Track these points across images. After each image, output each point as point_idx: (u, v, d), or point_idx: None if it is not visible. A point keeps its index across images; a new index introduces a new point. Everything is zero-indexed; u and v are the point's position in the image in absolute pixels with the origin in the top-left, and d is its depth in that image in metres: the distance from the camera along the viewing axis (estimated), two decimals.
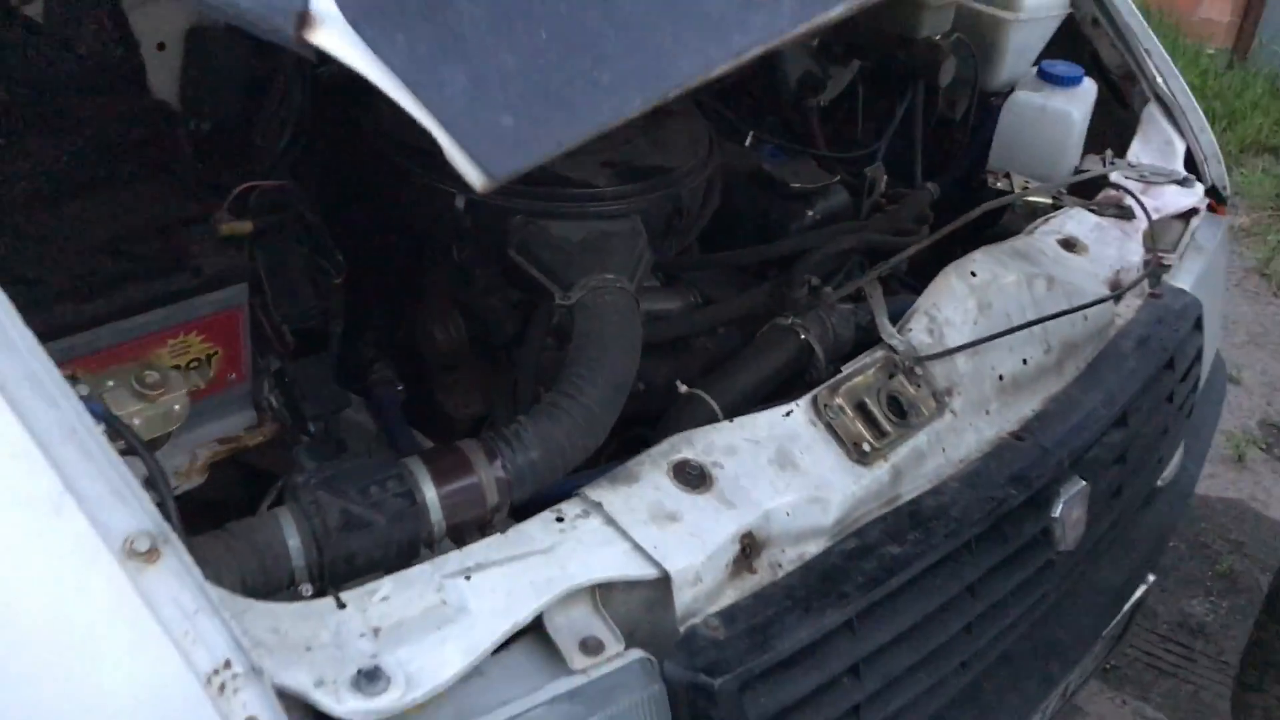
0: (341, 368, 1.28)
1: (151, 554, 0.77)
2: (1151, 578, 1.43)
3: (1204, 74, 4.36)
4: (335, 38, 0.67)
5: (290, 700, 0.80)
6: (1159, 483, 1.45)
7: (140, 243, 1.08)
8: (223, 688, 0.76)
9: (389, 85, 0.66)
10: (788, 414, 1.07)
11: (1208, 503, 2.55)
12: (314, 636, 0.84)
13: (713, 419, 1.09)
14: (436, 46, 0.68)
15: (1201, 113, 1.72)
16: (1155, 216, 1.52)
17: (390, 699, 0.81)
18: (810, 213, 1.40)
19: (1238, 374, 2.93)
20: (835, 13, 0.82)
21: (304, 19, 0.66)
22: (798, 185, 1.39)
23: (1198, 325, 1.43)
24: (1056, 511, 1.15)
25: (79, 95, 1.09)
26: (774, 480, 1.02)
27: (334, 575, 0.92)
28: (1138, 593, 1.40)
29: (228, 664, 0.76)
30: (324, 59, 0.70)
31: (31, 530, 0.77)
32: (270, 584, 0.89)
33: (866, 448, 1.07)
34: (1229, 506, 2.56)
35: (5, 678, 0.77)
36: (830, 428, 1.07)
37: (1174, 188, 1.60)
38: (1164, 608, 2.28)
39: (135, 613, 0.76)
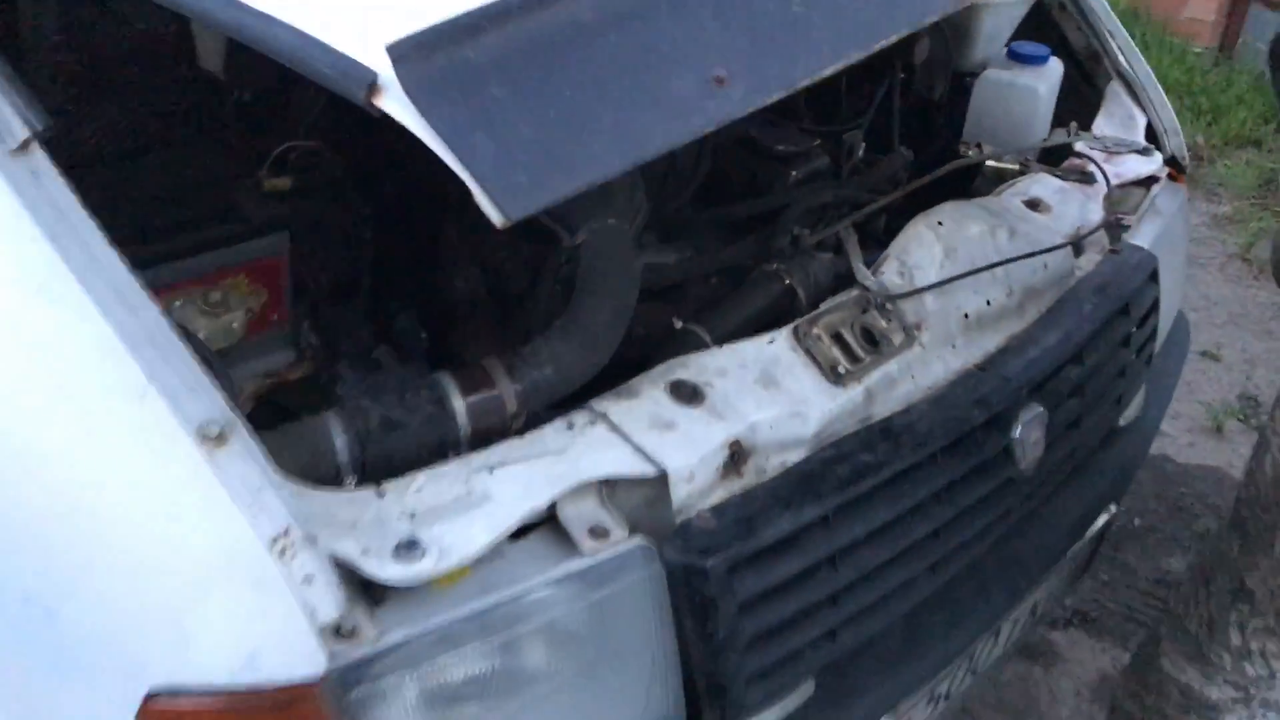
0: (370, 316, 1.41)
1: (221, 438, 0.90)
2: (1114, 508, 1.56)
3: (1190, 71, 4.49)
4: (394, 104, 0.83)
5: (339, 568, 0.93)
6: (1121, 423, 1.58)
7: (193, 196, 1.21)
8: (284, 551, 0.89)
9: (433, 142, 0.83)
10: (771, 341, 1.20)
11: (1187, 470, 2.67)
12: (358, 517, 0.97)
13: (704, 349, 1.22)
14: (471, 117, 0.84)
15: (1162, 89, 1.85)
16: (1116, 182, 1.64)
17: (425, 566, 0.94)
18: (794, 173, 1.53)
19: (1218, 351, 3.06)
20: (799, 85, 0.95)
21: (373, 88, 0.83)
22: (782, 148, 1.53)
23: (1153, 278, 1.56)
24: (1016, 433, 1.28)
25: (138, 67, 1.23)
26: (759, 397, 1.15)
27: (374, 471, 1.05)
28: (1100, 521, 1.52)
29: (287, 531, 0.89)
30: None
31: (120, 415, 0.90)
32: (319, 477, 1.02)
33: (842, 370, 1.20)
34: (1208, 473, 2.68)
35: (99, 542, 0.91)
36: (809, 353, 1.20)
37: (1135, 157, 1.73)
38: (1143, 565, 2.39)
39: (208, 487, 0.89)
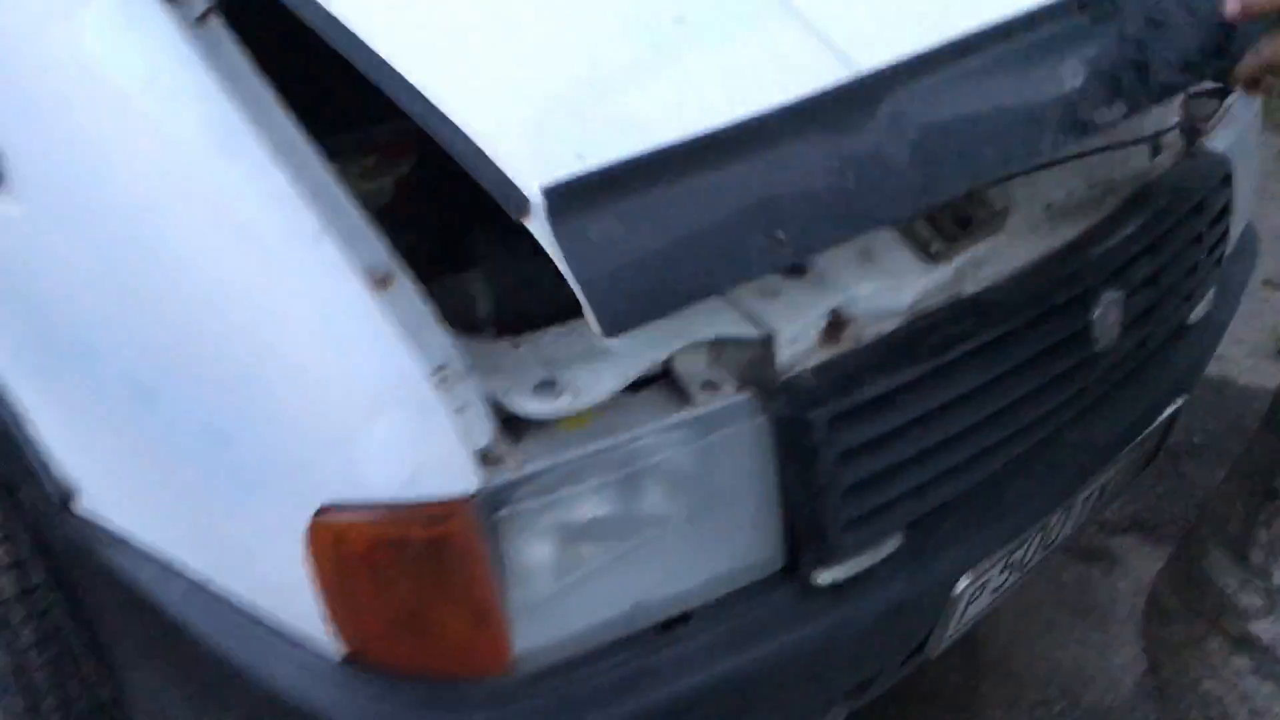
0: None
1: (386, 281, 1.00)
2: (1180, 401, 1.63)
3: None
4: (538, 228, 0.94)
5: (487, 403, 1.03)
6: (1190, 319, 1.65)
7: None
8: (443, 381, 0.99)
9: (562, 265, 0.93)
10: None
11: (1247, 391, 2.73)
12: (500, 361, 1.08)
13: None
14: (594, 247, 0.95)
15: None
16: (1193, 88, 1.70)
17: (562, 404, 1.05)
18: None
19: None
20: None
21: (521, 207, 0.93)
22: None
23: (1226, 181, 1.62)
24: (1094, 314, 1.35)
25: None
26: (858, 271, 1.24)
27: (508, 326, 1.15)
28: (1168, 410, 1.60)
29: (446, 365, 1.00)
30: None
31: (296, 257, 1.00)
32: (464, 327, 1.12)
33: (934, 249, 1.28)
34: (1267, 395, 2.72)
35: (276, 373, 1.01)
36: (905, 232, 1.28)
37: None
38: (1200, 478, 2.46)
39: (376, 323, 0.99)
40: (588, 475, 1.07)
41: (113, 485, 1.18)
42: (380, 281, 1.00)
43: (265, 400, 1.02)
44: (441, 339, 1.00)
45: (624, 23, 1.09)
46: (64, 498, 1.20)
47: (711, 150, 1.00)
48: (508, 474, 1.02)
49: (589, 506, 1.09)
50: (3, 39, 1.07)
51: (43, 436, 1.21)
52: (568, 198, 0.93)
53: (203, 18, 1.04)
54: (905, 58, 1.11)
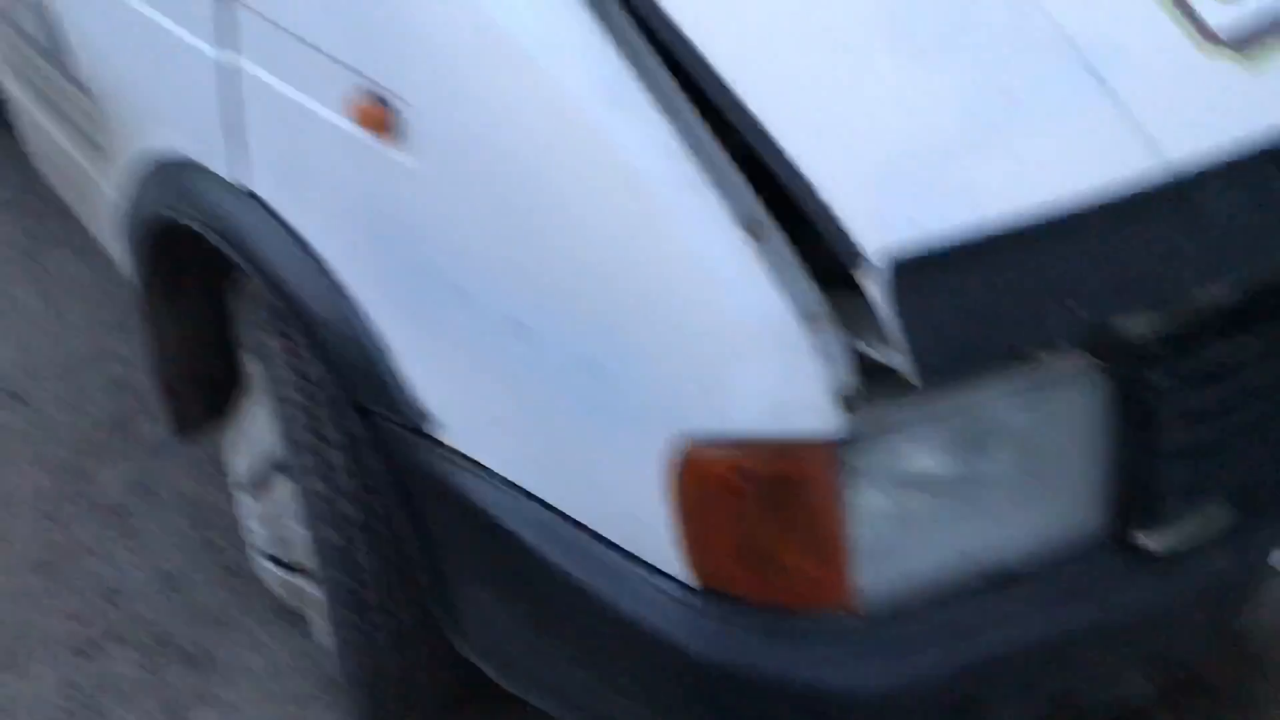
0: None
1: (762, 232, 1.07)
2: None
3: None
4: (871, 284, 1.03)
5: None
6: None
7: None
8: (815, 325, 1.05)
9: (888, 315, 1.02)
10: None
11: None
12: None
13: None
14: (919, 308, 1.04)
15: None
16: None
17: None
18: None
19: None
20: None
21: (856, 263, 1.04)
22: None
23: None
24: None
25: None
26: None
27: None
28: None
29: (816, 311, 1.05)
30: None
31: (680, 204, 1.07)
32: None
33: None
34: None
35: (654, 310, 1.08)
36: None
37: None
38: None
39: (751, 267, 1.05)
40: (931, 428, 1.12)
41: (470, 414, 1.28)
42: (754, 231, 1.06)
43: (639, 336, 1.10)
44: (810, 287, 1.06)
45: (954, 92, 1.14)
46: (420, 422, 1.31)
47: (1030, 230, 1.08)
48: (863, 420, 1.07)
49: (930, 458, 1.13)
50: (409, 3, 1.17)
51: (403, 367, 1.32)
52: (901, 262, 1.02)
53: None
54: (1214, 152, 1.15)
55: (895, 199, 1.07)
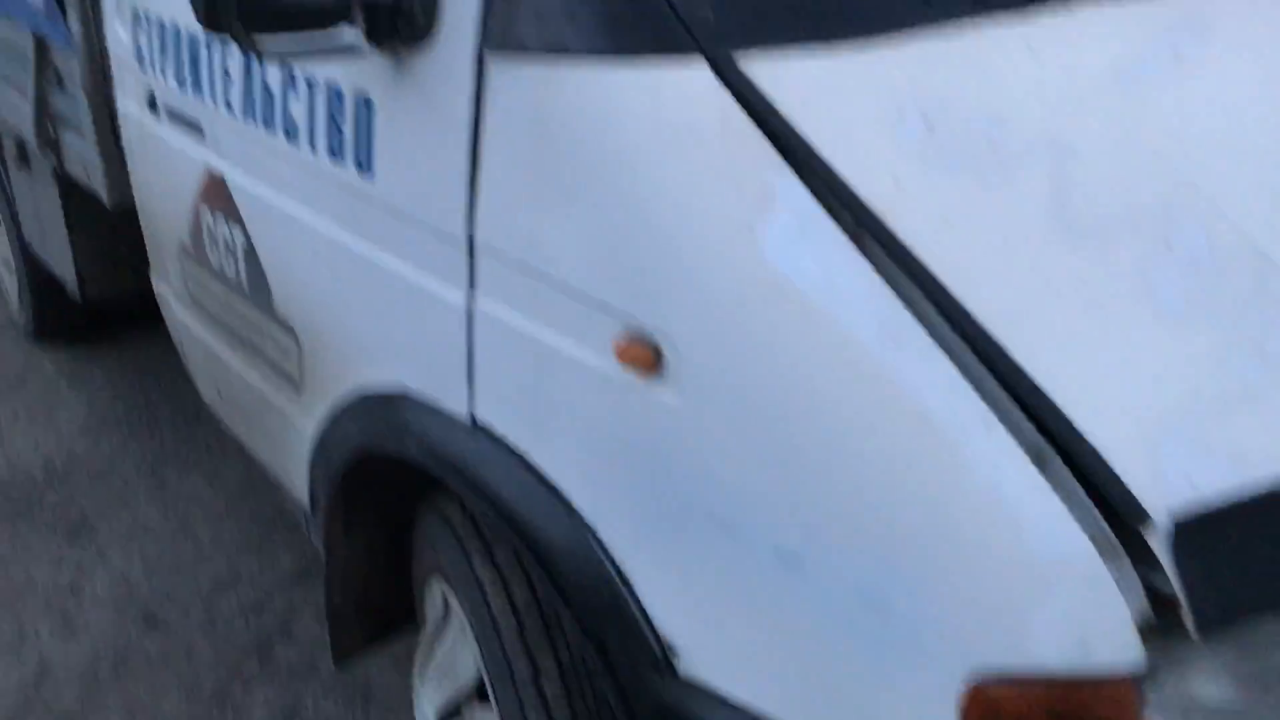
0: None
1: (1045, 459, 1.09)
2: None
3: None
4: (1157, 542, 1.08)
5: None
6: None
7: None
8: (1113, 556, 1.06)
9: (1172, 574, 1.07)
10: None
11: None
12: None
13: None
14: (1199, 564, 1.09)
15: None
16: None
17: None
18: None
19: None
20: None
21: (1143, 521, 1.09)
22: None
23: None
24: None
25: None
26: None
27: None
28: None
29: (1114, 545, 1.07)
30: None
31: (970, 443, 1.10)
32: None
33: None
34: None
35: (946, 544, 1.09)
36: None
37: None
38: None
39: (1045, 498, 1.07)
40: (1219, 661, 1.11)
41: (720, 646, 1.28)
42: (1040, 460, 1.09)
43: (929, 570, 1.10)
44: (1097, 515, 1.08)
45: (1212, 352, 1.19)
46: (665, 653, 1.30)
47: None
48: (1157, 652, 1.07)
49: (1218, 689, 1.12)
50: (688, 246, 1.23)
51: (646, 597, 1.32)
52: (1182, 522, 1.07)
53: (856, 234, 1.18)
54: None
55: (1171, 459, 1.11)
